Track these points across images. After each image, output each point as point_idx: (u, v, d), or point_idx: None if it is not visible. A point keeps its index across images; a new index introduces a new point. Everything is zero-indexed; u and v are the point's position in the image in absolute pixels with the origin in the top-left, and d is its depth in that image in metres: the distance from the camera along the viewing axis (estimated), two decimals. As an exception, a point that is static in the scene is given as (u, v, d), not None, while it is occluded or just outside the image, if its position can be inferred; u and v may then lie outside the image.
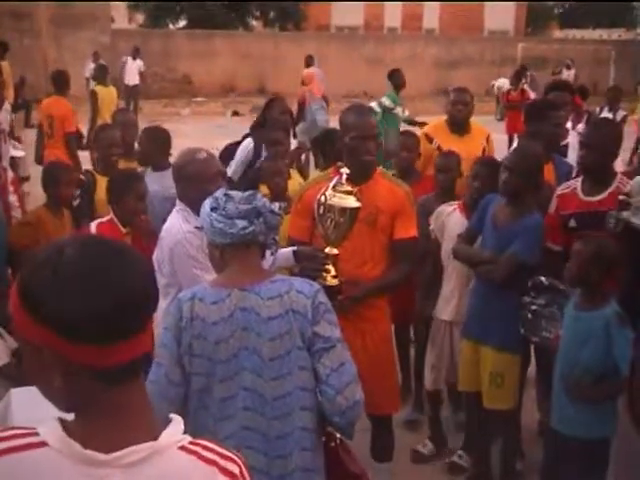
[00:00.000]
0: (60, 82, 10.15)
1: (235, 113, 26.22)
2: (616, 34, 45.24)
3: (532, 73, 18.87)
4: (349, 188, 3.91)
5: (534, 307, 3.89)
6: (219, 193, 2.98)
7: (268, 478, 2.78)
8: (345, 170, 3.97)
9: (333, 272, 3.93)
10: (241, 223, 2.85)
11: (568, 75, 24.89)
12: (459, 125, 6.45)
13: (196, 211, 3.86)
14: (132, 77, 22.03)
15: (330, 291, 3.90)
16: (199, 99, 28.98)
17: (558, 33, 55.22)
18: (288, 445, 2.80)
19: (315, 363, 2.79)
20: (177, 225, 3.97)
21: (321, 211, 3.91)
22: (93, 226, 4.87)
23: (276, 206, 2.98)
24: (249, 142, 6.61)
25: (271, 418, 2.79)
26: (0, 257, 5.03)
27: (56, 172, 5.54)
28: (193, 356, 2.80)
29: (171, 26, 41.44)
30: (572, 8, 62.06)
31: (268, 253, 3.30)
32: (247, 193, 2.95)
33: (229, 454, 1.58)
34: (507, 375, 4.71)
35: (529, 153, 4.79)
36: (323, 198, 3.89)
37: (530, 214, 4.62)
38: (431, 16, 47.49)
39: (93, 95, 12.84)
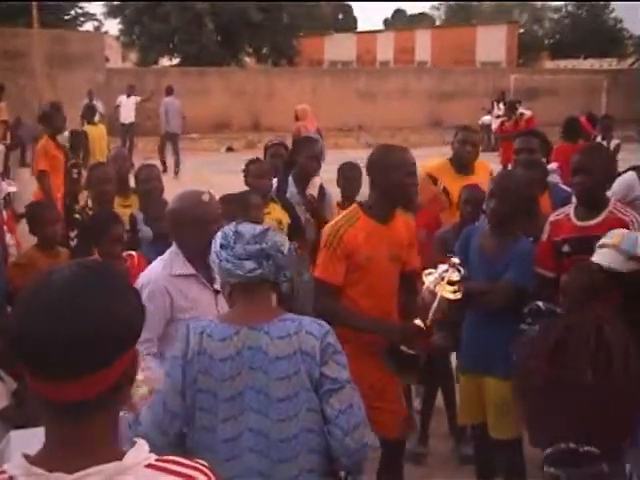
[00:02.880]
0: (46, 122, 9.96)
1: (229, 149, 26.32)
2: (607, 63, 45.55)
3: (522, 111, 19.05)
4: (456, 278, 4.12)
5: (531, 334, 3.89)
6: (229, 229, 2.94)
7: None
8: (455, 260, 4.18)
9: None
10: (249, 265, 2.83)
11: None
12: (465, 166, 6.25)
13: (194, 255, 3.89)
14: (127, 115, 22.01)
15: (411, 360, 4.25)
16: (193, 136, 29.04)
17: (549, 64, 55.62)
18: None
19: (323, 404, 2.76)
20: (154, 269, 3.97)
21: (426, 294, 4.14)
22: None
23: (286, 247, 2.93)
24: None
25: (277, 461, 2.74)
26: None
27: (39, 212, 5.51)
28: (198, 391, 2.77)
29: (165, 63, 41.73)
30: (562, 38, 62.66)
31: None
32: (258, 231, 2.90)
33: (199, 466, 1.63)
34: (512, 403, 4.69)
35: (514, 179, 4.81)
36: (432, 285, 4.11)
37: (518, 240, 4.63)
38: (423, 49, 47.96)
39: (84, 135, 12.99)
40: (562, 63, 51.81)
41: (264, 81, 33.43)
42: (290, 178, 6.27)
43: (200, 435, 2.80)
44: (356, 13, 73.85)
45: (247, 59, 44.85)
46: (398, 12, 76.19)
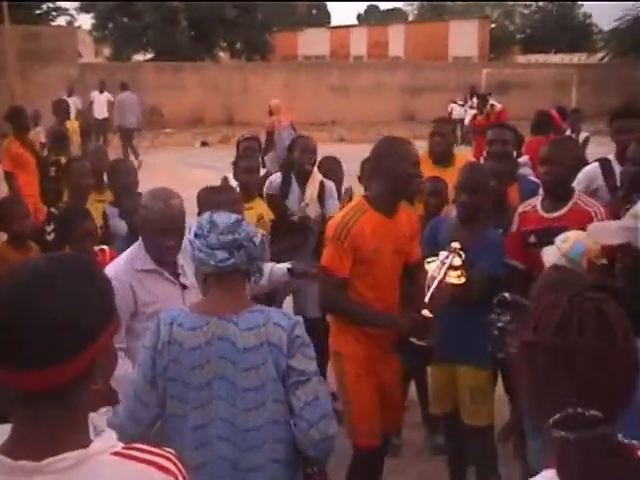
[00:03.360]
0: (11, 121, 9.65)
1: (204, 143, 26.25)
2: (576, 58, 45.84)
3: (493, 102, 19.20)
4: (458, 263, 4.18)
5: (500, 324, 3.92)
6: (204, 218, 2.95)
7: None
8: (456, 245, 4.21)
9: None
10: (221, 254, 2.84)
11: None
12: (439, 157, 6.34)
13: (155, 254, 3.88)
14: (100, 111, 21.90)
15: (422, 350, 4.28)
16: (168, 130, 28.97)
17: (521, 58, 55.91)
18: (259, 477, 2.78)
19: (290, 396, 2.76)
20: (117, 264, 3.96)
21: (428, 282, 4.16)
22: None
23: (259, 238, 2.94)
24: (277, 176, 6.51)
25: (244, 449, 2.76)
26: None
27: (7, 207, 5.50)
28: (168, 379, 2.80)
29: (139, 58, 41.54)
30: (533, 33, 63.09)
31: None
32: (232, 221, 2.91)
33: (164, 453, 1.65)
34: (486, 391, 4.75)
35: (482, 172, 4.85)
36: (435, 272, 4.15)
37: (487, 230, 4.69)
38: (396, 44, 48.05)
39: (64, 133, 12.88)
40: (533, 57, 52.15)
41: (238, 76, 33.36)
42: (293, 178, 6.29)
43: (172, 422, 2.82)
44: (330, 8, 73.68)
45: (221, 54, 44.79)
46: (371, 7, 76.39)
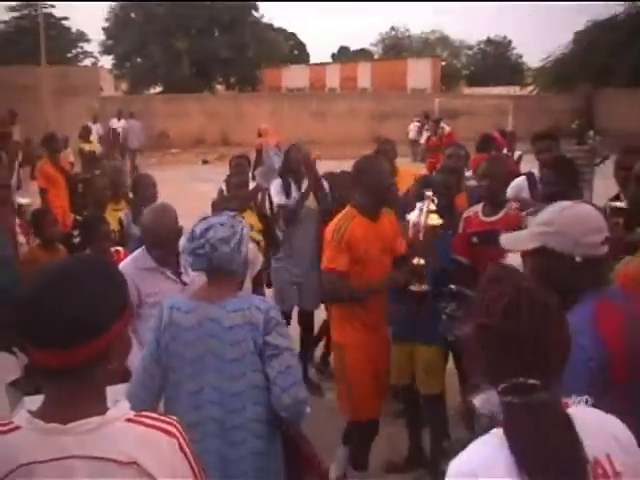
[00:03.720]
0: (46, 145, 9.68)
1: (205, 161, 26.14)
2: (512, 90, 46.10)
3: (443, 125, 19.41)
4: (434, 208, 4.14)
5: (448, 310, 3.91)
6: (195, 226, 2.95)
7: (224, 461, 2.79)
8: (428, 193, 4.17)
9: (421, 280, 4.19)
10: (190, 259, 2.90)
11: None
12: None
13: (154, 258, 3.92)
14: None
15: (418, 296, 4.23)
16: (174, 150, 28.87)
17: (467, 90, 56.18)
18: (241, 434, 2.80)
19: (266, 366, 2.78)
20: (125, 263, 3.98)
21: (412, 230, 4.14)
22: None
23: (233, 242, 2.89)
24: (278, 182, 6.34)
25: (229, 411, 2.79)
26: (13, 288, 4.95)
27: (39, 217, 5.60)
28: (169, 354, 2.83)
29: (151, 91, 41.50)
30: (476, 70, 63.49)
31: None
32: (203, 227, 2.89)
33: (168, 419, 1.68)
34: (437, 364, 4.76)
35: (433, 183, 4.86)
36: (416, 219, 4.14)
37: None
38: (364, 78, 48.14)
39: (80, 152, 13.31)
40: (477, 90, 52.34)
41: (232, 105, 33.27)
42: (291, 183, 6.22)
43: (172, 389, 2.86)
44: (309, 49, 73.52)
45: (218, 87, 44.72)
46: (343, 48, 76.22)
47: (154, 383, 2.87)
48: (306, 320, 6.36)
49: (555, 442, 1.58)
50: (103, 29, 42.59)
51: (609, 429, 1.70)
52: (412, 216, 4.19)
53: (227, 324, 2.79)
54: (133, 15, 39.75)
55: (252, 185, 6.75)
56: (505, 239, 2.50)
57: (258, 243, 5.68)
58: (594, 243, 2.27)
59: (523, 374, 1.62)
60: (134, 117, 22.08)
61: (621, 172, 4.53)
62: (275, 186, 6.25)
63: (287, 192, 6.15)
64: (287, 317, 5.93)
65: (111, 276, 1.68)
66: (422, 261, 4.18)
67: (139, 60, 40.71)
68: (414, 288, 4.23)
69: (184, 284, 3.90)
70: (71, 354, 1.56)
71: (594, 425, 1.68)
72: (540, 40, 79.76)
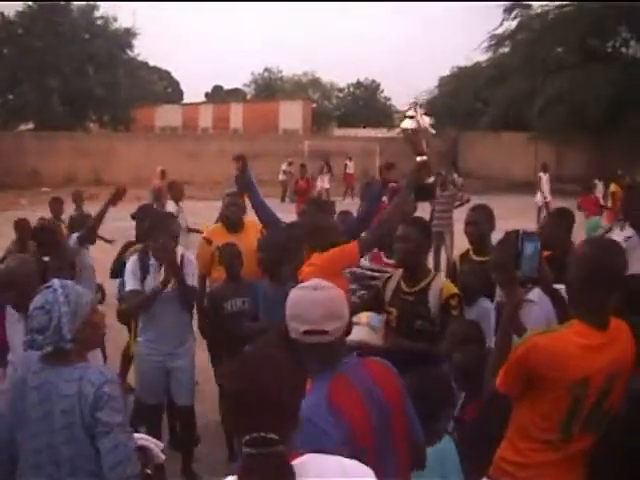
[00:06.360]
0: None
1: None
2: (380, 132, 47.54)
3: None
4: (411, 114, 4.49)
5: None
6: None
7: None
8: (410, 101, 4.85)
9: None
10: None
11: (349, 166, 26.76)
12: (234, 225, 6.20)
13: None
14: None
15: (429, 188, 4.77)
16: (44, 189, 28.61)
17: (337, 131, 57.82)
18: None
19: (97, 442, 2.75)
20: None
21: (410, 134, 4.49)
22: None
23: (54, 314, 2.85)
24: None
25: (65, 475, 2.80)
26: None
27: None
28: (16, 411, 2.88)
29: (22, 127, 40.64)
30: (347, 111, 65.73)
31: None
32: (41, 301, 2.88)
33: None
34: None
35: (275, 233, 5.25)
36: (412, 125, 4.46)
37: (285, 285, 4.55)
38: (236, 118, 48.77)
39: None
40: (347, 131, 53.69)
41: (105, 144, 33.34)
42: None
43: (20, 447, 2.90)
44: (183, 86, 73.63)
45: (91, 125, 44.34)
46: (217, 87, 76.77)
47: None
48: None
49: None
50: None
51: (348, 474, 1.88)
52: (406, 123, 4.48)
53: (62, 392, 2.78)
54: (5, 51, 39.05)
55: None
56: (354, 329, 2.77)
57: None
58: (296, 329, 2.33)
59: (263, 429, 1.75)
60: None
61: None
62: (130, 264, 5.28)
63: (144, 271, 5.19)
64: None
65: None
66: (425, 158, 4.49)
67: (10, 97, 39.96)
68: (426, 181, 4.57)
69: None
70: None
71: (329, 471, 1.86)
72: (407, 83, 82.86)
